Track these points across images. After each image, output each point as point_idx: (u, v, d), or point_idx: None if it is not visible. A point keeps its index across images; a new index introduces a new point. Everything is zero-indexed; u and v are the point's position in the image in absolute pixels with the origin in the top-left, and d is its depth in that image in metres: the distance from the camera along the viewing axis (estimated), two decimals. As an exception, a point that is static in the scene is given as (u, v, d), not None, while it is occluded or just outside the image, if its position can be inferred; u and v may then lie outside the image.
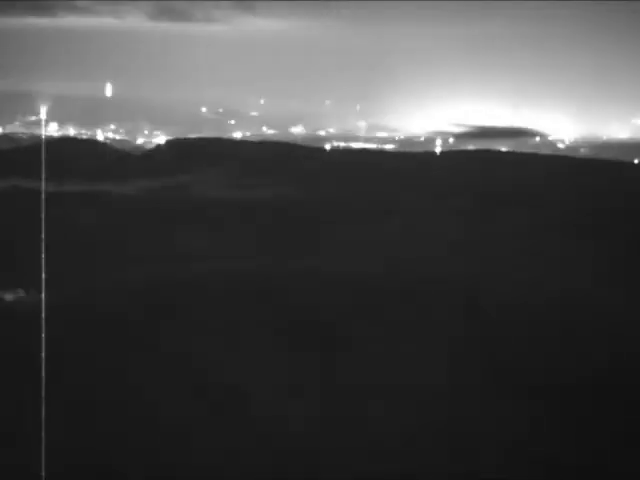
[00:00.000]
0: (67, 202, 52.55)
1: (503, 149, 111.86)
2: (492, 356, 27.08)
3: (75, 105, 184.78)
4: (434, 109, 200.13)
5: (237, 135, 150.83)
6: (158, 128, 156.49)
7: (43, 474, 19.96)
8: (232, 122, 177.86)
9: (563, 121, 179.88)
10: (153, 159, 77.08)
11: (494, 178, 61.19)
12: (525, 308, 31.25)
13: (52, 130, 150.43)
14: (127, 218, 48.43)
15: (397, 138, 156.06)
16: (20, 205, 51.41)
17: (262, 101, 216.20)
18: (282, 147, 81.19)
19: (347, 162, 73.33)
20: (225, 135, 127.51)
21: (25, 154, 77.52)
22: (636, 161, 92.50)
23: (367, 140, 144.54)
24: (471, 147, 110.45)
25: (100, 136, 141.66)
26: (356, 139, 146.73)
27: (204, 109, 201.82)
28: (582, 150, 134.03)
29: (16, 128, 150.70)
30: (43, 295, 32.29)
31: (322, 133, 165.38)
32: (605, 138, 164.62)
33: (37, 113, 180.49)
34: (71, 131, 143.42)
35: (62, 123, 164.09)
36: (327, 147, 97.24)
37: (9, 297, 31.96)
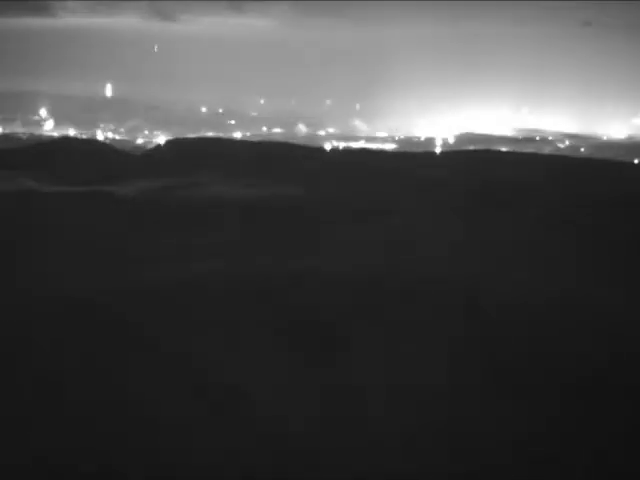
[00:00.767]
0: (67, 202, 52.57)
1: (503, 149, 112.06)
2: (492, 356, 27.09)
3: (75, 105, 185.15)
4: (434, 109, 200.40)
5: (237, 135, 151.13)
6: (158, 128, 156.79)
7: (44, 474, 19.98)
8: (232, 122, 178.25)
9: (563, 121, 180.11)
10: (153, 159, 77.12)
11: (494, 178, 61.21)
12: (525, 308, 31.25)
13: (52, 130, 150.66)
14: (127, 218, 48.46)
15: (397, 138, 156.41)
16: (20, 205, 51.48)
17: (262, 101, 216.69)
18: (282, 147, 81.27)
19: (347, 162, 73.38)
20: (225, 135, 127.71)
21: (25, 154, 77.62)
22: (636, 161, 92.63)
23: (367, 140, 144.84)
24: (471, 147, 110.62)
25: (100, 136, 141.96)
26: (356, 139, 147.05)
27: (204, 109, 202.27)
28: (582, 150, 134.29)
29: (16, 128, 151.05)
30: (43, 295, 32.32)
31: (322, 133, 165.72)
32: (605, 138, 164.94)
33: (37, 113, 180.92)
34: (71, 131, 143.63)
35: (62, 123, 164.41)
36: (327, 147, 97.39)
37: (9, 296, 31.92)
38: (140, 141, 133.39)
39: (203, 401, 23.77)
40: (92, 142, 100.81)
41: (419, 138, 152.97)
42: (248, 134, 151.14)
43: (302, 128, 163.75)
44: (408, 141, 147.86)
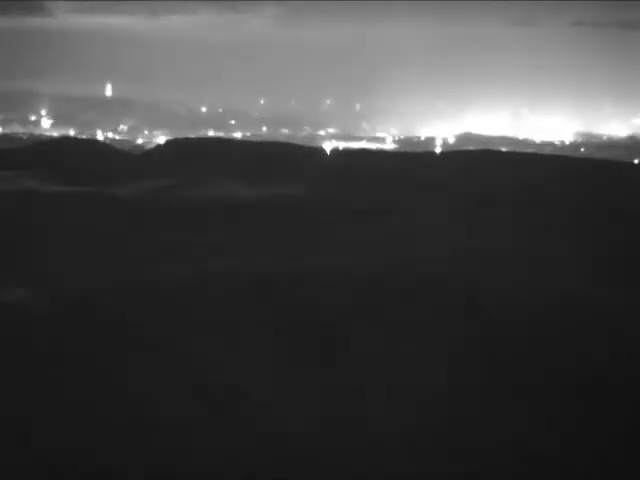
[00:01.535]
0: (67, 202, 52.53)
1: (503, 149, 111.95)
2: (492, 356, 27.09)
3: (75, 105, 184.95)
4: (434, 109, 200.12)
5: (237, 135, 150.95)
6: (158, 128, 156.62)
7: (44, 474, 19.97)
8: (232, 122, 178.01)
9: (563, 121, 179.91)
10: (153, 159, 77.05)
11: (494, 178, 61.16)
12: (525, 308, 31.24)
13: (52, 130, 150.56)
14: (127, 218, 48.42)
15: (397, 138, 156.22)
16: (20, 205, 51.44)
17: (262, 101, 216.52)
18: (282, 147, 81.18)
19: (347, 162, 73.30)
20: (225, 135, 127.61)
21: (25, 154, 77.57)
22: (636, 161, 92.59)
23: (367, 140, 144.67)
24: (471, 147, 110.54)
25: (100, 136, 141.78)
26: (356, 139, 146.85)
27: (204, 109, 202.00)
28: (582, 150, 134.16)
29: (16, 128, 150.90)
30: (43, 295, 32.30)
31: (322, 133, 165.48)
32: (605, 138, 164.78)
33: (37, 113, 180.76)
34: (71, 131, 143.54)
35: (62, 123, 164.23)
36: (327, 147, 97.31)
37: (9, 296, 31.93)
38: (140, 141, 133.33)
39: (203, 401, 23.78)
40: (92, 142, 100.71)
41: (419, 138, 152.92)
42: (248, 134, 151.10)
43: (302, 128, 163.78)
44: (408, 141, 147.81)
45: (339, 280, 33.72)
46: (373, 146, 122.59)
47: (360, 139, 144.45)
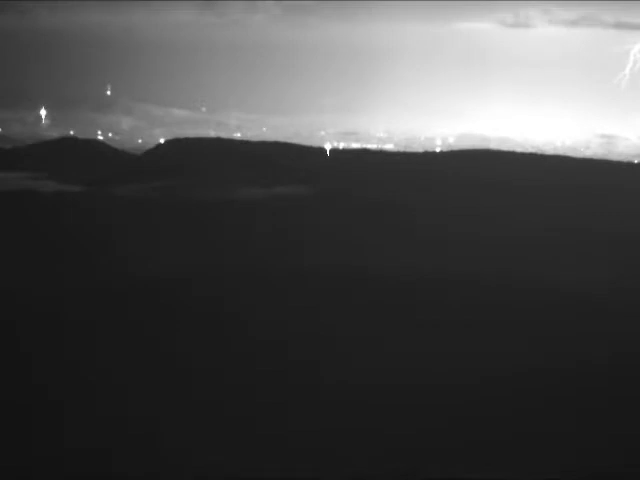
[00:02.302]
0: (67, 201, 52.53)
1: (503, 149, 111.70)
2: (493, 356, 27.07)
3: (75, 105, 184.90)
4: (435, 110, 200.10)
5: (237, 135, 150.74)
6: (158, 128, 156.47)
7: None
8: (232, 122, 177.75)
9: (563, 121, 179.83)
10: (153, 159, 77.00)
11: (494, 178, 61.17)
12: (525, 308, 31.24)
13: (52, 130, 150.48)
14: (127, 217, 48.41)
15: (397, 138, 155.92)
16: (20, 204, 51.42)
17: (262, 101, 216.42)
18: (282, 147, 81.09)
19: (347, 162, 73.27)
20: (225, 135, 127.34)
21: (25, 154, 77.56)
22: (636, 161, 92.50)
23: (367, 140, 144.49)
24: (471, 147, 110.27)
25: (100, 136, 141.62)
26: (356, 139, 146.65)
27: (204, 109, 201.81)
28: (582, 150, 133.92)
29: (16, 128, 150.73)
30: (44, 291, 32.33)
31: (322, 133, 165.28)
32: (605, 138, 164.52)
33: (37, 113, 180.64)
34: (71, 131, 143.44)
35: (62, 123, 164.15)
36: (327, 147, 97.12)
37: (11, 293, 31.97)
38: (140, 141, 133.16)
39: (203, 400, 23.74)
40: (92, 142, 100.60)
41: (419, 138, 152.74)
42: (248, 134, 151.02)
43: (302, 128, 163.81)
44: (408, 141, 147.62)
45: (339, 280, 33.74)
46: (373, 146, 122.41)
47: (360, 139, 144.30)
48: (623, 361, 27.03)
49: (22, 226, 45.57)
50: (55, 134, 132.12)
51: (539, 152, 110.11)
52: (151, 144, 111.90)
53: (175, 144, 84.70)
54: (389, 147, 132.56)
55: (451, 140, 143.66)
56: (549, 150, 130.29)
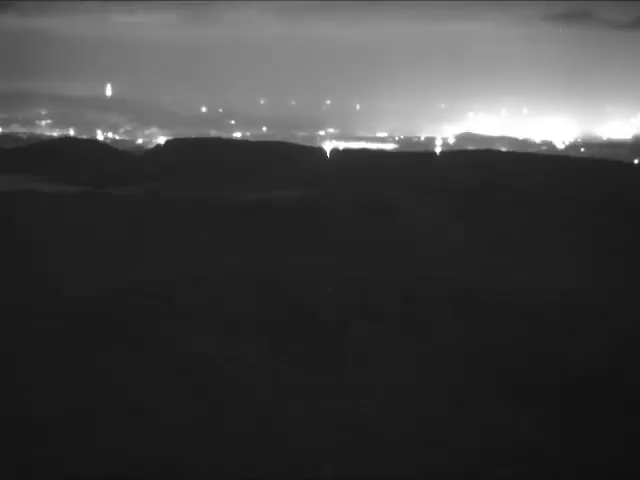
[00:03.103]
0: (67, 202, 52.54)
1: (503, 149, 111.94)
2: (492, 356, 27.08)
3: (75, 105, 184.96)
4: (435, 110, 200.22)
5: (237, 135, 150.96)
6: (158, 128, 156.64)
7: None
8: (232, 122, 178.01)
9: (563, 121, 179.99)
10: (153, 159, 77.07)
11: (494, 178, 61.17)
12: (525, 308, 31.25)
13: (52, 130, 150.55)
14: (127, 218, 48.41)
15: (397, 138, 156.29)
16: (20, 205, 51.42)
17: (262, 101, 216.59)
18: (282, 147, 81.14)
19: (347, 162, 73.31)
20: (225, 135, 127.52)
21: (25, 154, 77.61)
22: (636, 161, 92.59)
23: (367, 140, 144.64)
24: (471, 147, 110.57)
25: (100, 136, 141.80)
26: (356, 139, 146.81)
27: (204, 109, 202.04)
28: (582, 150, 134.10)
29: (16, 128, 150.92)
30: (43, 294, 32.30)
31: (322, 133, 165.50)
32: (605, 138, 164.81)
33: (37, 113, 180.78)
34: (71, 131, 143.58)
35: (62, 123, 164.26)
36: (327, 147, 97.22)
37: (9, 296, 31.95)
38: (140, 141, 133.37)
39: (203, 401, 23.76)
40: (92, 142, 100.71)
41: (419, 138, 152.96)
42: (248, 134, 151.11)
43: (302, 128, 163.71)
44: (408, 141, 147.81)
45: (339, 280, 33.73)
46: (373, 146, 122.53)
47: (360, 139, 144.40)
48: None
49: (22, 226, 45.54)
50: (55, 134, 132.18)
51: (539, 152, 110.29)
52: (151, 144, 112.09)
53: (175, 144, 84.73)
54: (389, 147, 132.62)
55: (451, 140, 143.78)
56: (549, 150, 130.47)
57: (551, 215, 50.18)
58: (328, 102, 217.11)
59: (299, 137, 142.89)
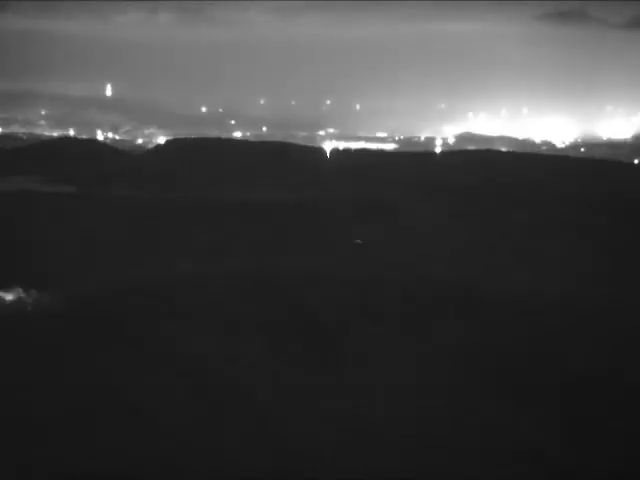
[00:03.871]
0: (67, 202, 52.55)
1: (503, 149, 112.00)
2: (492, 356, 27.07)
3: (75, 105, 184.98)
4: (435, 110, 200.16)
5: (237, 135, 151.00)
6: (158, 128, 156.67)
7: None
8: (232, 122, 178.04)
9: (563, 121, 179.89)
10: (153, 159, 77.08)
11: (494, 178, 61.18)
12: (525, 308, 31.24)
13: (52, 130, 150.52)
14: (127, 218, 48.41)
15: (397, 138, 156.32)
16: (20, 205, 51.43)
17: (262, 101, 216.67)
18: (282, 147, 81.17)
19: (347, 162, 73.33)
20: (225, 135, 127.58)
21: (25, 154, 77.61)
22: (636, 161, 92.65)
23: (367, 140, 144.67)
24: (471, 147, 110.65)
25: (100, 136, 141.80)
26: (356, 139, 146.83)
27: (204, 109, 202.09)
28: (582, 150, 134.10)
29: (16, 128, 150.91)
30: (43, 295, 32.30)
31: (322, 133, 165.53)
32: (605, 138, 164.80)
33: (37, 113, 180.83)
34: (71, 131, 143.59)
35: (62, 123, 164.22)
36: (327, 147, 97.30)
37: (9, 297, 31.93)
38: (140, 141, 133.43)
39: (203, 401, 23.75)
40: (92, 142, 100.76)
41: (419, 138, 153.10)
42: (248, 134, 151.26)
43: (302, 128, 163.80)
44: (408, 141, 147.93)
45: (339, 280, 33.72)
46: (373, 146, 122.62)
47: (360, 139, 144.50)
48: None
49: (22, 226, 45.55)
50: (55, 134, 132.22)
51: (539, 152, 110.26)
52: (151, 144, 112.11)
53: (175, 144, 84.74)
54: (389, 147, 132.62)
55: (451, 140, 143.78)
56: (549, 150, 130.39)
57: (551, 215, 50.17)
58: (328, 102, 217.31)
59: (299, 137, 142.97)
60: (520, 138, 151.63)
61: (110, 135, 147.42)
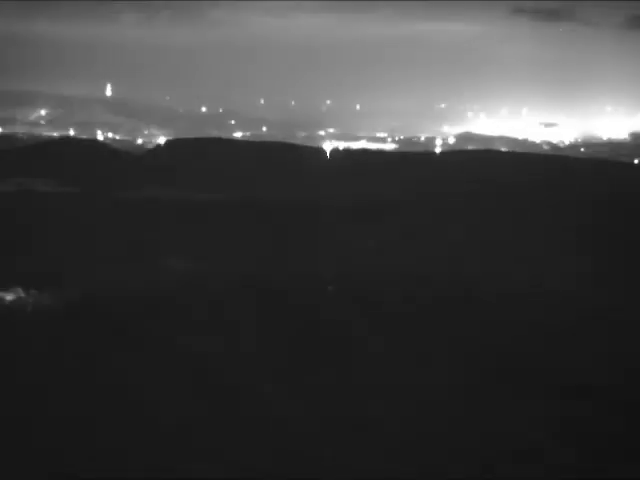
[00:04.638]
0: (66, 202, 52.55)
1: (503, 149, 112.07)
2: (492, 356, 27.08)
3: (75, 105, 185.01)
4: (435, 110, 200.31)
5: (237, 135, 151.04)
6: (158, 128, 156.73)
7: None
8: (232, 122, 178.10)
9: (563, 121, 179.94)
10: (153, 159, 77.08)
11: (494, 178, 61.19)
12: (525, 307, 31.26)
13: (52, 130, 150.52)
14: (126, 218, 48.42)
15: (397, 138, 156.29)
16: (20, 205, 51.44)
17: (262, 101, 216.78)
18: (282, 147, 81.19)
19: (347, 162, 73.35)
20: (225, 135, 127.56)
21: (25, 154, 77.60)
22: (636, 161, 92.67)
23: (367, 140, 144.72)
24: (471, 147, 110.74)
25: (100, 136, 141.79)
26: (356, 139, 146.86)
27: (204, 109, 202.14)
28: (582, 150, 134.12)
29: (16, 128, 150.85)
30: (43, 295, 32.32)
31: (322, 133, 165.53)
32: (605, 138, 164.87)
33: (37, 113, 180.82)
34: (71, 131, 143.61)
35: (62, 123, 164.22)
36: (327, 147, 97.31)
37: (9, 297, 31.94)
38: (140, 141, 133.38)
39: (203, 401, 23.76)
40: (92, 142, 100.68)
41: (419, 138, 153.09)
42: (248, 134, 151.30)
43: (302, 128, 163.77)
44: (408, 141, 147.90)
45: (339, 280, 33.74)
46: (373, 146, 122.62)
47: (360, 139, 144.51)
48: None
49: (22, 226, 45.56)
50: (55, 134, 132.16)
51: (539, 152, 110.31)
52: (151, 144, 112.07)
53: (175, 144, 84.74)
54: (389, 147, 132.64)
55: (451, 140, 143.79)
56: (549, 150, 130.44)
57: (551, 215, 50.17)
58: (328, 102, 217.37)
59: (299, 137, 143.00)
60: (520, 138, 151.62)
61: (110, 135, 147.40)
